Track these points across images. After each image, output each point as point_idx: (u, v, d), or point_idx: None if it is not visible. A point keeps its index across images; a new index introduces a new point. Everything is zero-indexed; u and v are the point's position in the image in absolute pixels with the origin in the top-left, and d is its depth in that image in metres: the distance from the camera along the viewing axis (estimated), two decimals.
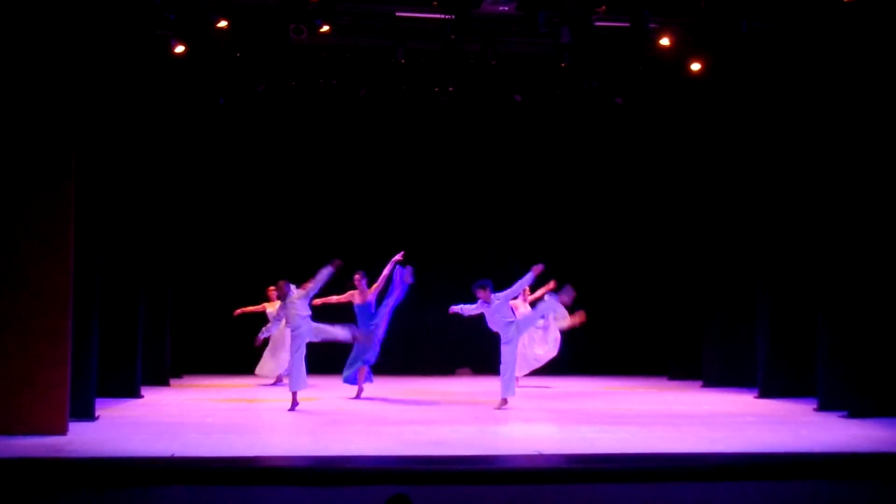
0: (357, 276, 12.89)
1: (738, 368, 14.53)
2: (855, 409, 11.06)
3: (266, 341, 14.28)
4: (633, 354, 16.82)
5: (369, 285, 12.87)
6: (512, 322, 11.90)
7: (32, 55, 9.45)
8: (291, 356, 11.73)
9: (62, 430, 9.26)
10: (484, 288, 11.82)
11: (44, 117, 9.46)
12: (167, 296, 14.49)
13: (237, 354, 16.48)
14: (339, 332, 12.10)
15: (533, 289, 13.32)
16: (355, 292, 12.88)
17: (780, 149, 13.27)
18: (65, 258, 9.40)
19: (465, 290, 16.36)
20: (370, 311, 12.77)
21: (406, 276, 12.51)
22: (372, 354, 12.73)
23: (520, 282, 11.92)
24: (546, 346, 14.24)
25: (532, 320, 12.72)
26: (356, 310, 12.91)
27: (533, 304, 13.39)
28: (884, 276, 11.26)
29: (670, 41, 12.47)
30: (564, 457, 8.48)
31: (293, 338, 11.77)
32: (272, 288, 14.27)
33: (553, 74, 14.61)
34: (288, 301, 11.67)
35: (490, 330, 12.03)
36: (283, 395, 13.40)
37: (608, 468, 8.17)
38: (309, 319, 11.77)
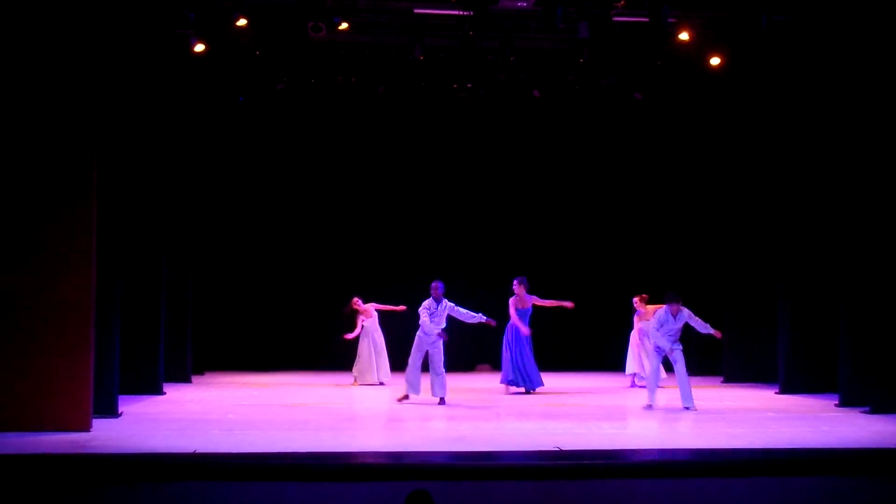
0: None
1: (758, 364, 14.48)
2: (877, 404, 10.99)
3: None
4: None
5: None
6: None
7: (56, 55, 9.54)
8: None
9: (86, 427, 9.36)
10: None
11: (66, 119, 9.55)
12: (189, 293, 14.59)
13: (258, 351, 16.62)
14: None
15: None
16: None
17: (801, 144, 13.18)
18: (87, 256, 9.49)
19: (480, 284, 16.45)
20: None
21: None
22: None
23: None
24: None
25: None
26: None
27: None
28: None
29: (689, 36, 12.39)
30: (584, 452, 8.48)
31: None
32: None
33: (571, 70, 14.58)
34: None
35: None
36: (301, 393, 13.47)
37: (628, 463, 8.18)
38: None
